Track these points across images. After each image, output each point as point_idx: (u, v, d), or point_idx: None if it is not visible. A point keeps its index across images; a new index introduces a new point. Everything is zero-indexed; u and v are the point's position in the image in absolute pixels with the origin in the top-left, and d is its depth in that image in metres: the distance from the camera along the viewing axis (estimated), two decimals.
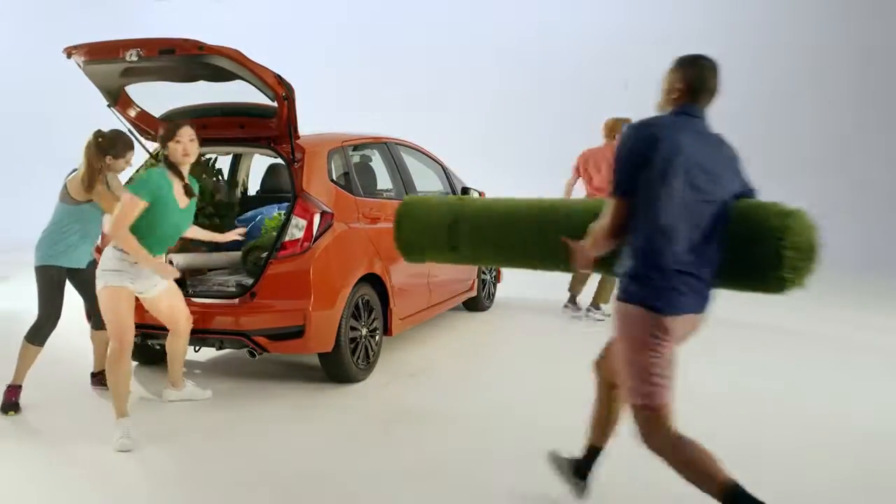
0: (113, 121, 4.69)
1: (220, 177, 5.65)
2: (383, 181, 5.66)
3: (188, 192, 3.87)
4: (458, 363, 5.38)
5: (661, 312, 2.44)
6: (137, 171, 4.77)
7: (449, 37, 12.57)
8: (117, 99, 4.77)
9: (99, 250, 4.27)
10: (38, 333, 4.13)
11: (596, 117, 7.05)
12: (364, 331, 4.73)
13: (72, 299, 4.30)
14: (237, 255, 4.94)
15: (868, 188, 10.68)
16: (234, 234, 4.56)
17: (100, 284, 3.74)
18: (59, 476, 3.42)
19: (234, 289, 4.53)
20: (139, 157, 4.49)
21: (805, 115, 11.02)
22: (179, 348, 4.24)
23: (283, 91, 4.34)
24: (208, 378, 4.81)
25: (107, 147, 4.09)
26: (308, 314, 4.30)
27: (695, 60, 2.58)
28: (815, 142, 11.01)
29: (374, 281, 4.84)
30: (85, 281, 4.15)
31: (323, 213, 4.45)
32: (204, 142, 4.99)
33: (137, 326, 3.96)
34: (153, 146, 4.68)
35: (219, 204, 5.37)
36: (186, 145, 3.80)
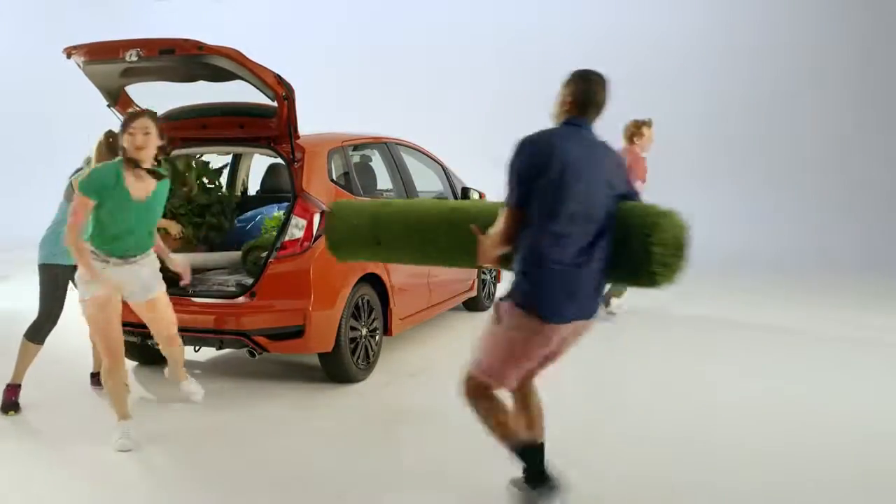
0: (113, 121, 4.68)
1: (214, 178, 5.47)
2: (383, 181, 5.66)
3: (150, 185, 3.59)
4: (458, 363, 5.33)
5: (547, 321, 2.57)
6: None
7: (449, 37, 12.54)
8: (117, 99, 4.77)
9: None
10: (38, 332, 4.14)
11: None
12: (364, 331, 4.73)
13: (72, 299, 4.29)
14: (237, 254, 4.94)
15: (868, 188, 10.67)
16: (179, 268, 3.95)
17: (84, 294, 3.54)
18: (59, 476, 3.42)
19: (233, 288, 4.53)
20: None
21: (805, 115, 11.00)
22: (173, 355, 4.11)
23: (282, 91, 4.34)
24: (208, 378, 4.80)
25: (118, 147, 4.08)
26: (308, 314, 4.30)
27: (585, 75, 2.81)
28: (815, 142, 10.99)
29: (373, 281, 4.84)
30: None
31: (323, 213, 4.45)
32: (204, 142, 5.04)
33: (136, 326, 3.94)
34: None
35: (200, 205, 5.19)
36: (139, 138, 3.51)
